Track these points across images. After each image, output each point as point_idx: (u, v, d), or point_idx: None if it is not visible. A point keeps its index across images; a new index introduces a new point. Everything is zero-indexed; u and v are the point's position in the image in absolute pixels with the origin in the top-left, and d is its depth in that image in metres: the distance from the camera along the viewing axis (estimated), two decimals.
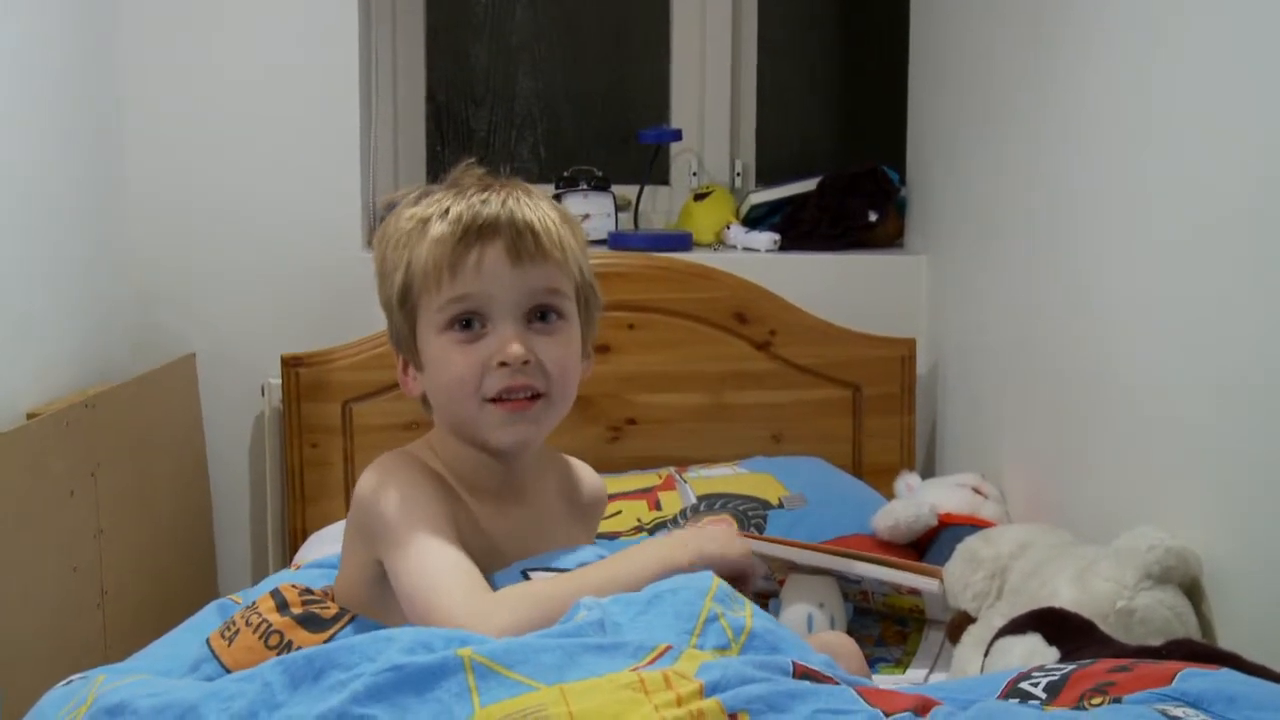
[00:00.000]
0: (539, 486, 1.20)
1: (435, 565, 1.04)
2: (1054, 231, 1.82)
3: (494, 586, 1.06)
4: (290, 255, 2.19)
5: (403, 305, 1.11)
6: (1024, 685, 1.06)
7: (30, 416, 1.64)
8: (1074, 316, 1.76)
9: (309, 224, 2.20)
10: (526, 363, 1.09)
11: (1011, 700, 1.03)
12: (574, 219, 1.17)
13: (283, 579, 1.39)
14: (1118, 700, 0.96)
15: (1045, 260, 1.85)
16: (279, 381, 2.09)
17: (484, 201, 1.09)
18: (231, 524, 2.23)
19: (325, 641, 1.07)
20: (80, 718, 0.97)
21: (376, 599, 1.10)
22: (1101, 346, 1.68)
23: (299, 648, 1.07)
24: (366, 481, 1.11)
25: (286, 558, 2.08)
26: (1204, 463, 1.46)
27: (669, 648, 0.91)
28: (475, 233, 1.08)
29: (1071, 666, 1.06)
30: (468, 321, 1.09)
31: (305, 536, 2.06)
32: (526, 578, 1.07)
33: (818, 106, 2.74)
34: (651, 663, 0.88)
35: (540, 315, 1.11)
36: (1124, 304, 1.63)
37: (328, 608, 1.12)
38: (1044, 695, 1.03)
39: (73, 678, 1.12)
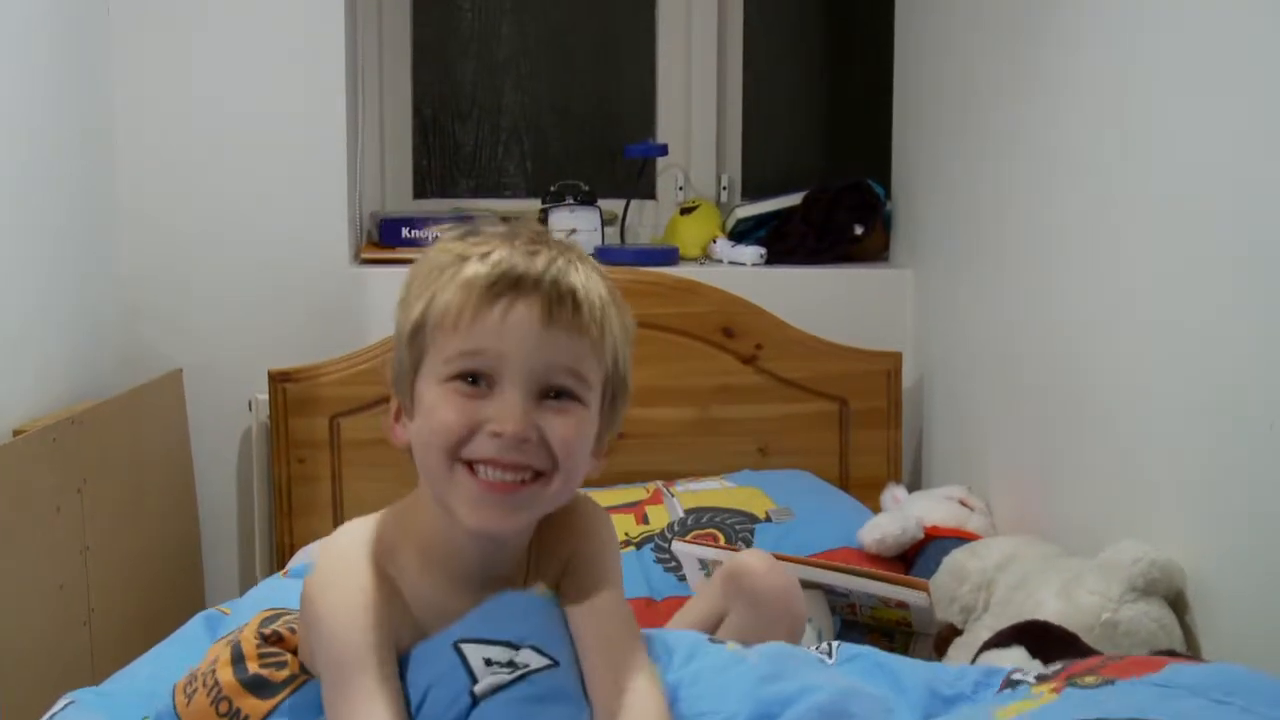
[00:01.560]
0: (547, 567, 1.06)
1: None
2: (1038, 246, 1.83)
3: (419, 659, 0.98)
4: (278, 271, 2.19)
5: (412, 341, 1.00)
6: (1015, 676, 1.06)
7: (17, 433, 1.64)
8: (1059, 330, 1.77)
9: (296, 239, 2.20)
10: (526, 441, 0.96)
11: (1005, 691, 1.04)
12: (625, 304, 1.04)
13: (270, 586, 1.38)
14: (1109, 681, 0.96)
15: (1030, 275, 1.86)
16: (266, 397, 2.08)
17: (531, 254, 0.98)
18: (219, 539, 2.22)
19: (271, 711, 1.04)
20: None
21: None
22: (1086, 360, 1.69)
23: (246, 717, 1.05)
24: (311, 600, 1.00)
25: (275, 569, 2.07)
26: (1187, 476, 1.47)
27: None
28: (510, 284, 0.96)
29: (1065, 663, 1.07)
30: (474, 379, 0.97)
31: (293, 551, 2.05)
32: (459, 651, 0.97)
33: (803, 121, 2.75)
34: None
35: (554, 395, 0.98)
36: (1108, 319, 1.64)
37: (284, 663, 1.09)
38: (1033, 680, 1.04)
39: (57, 708, 1.11)
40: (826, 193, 2.45)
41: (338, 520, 2.09)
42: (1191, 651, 1.41)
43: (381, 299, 2.21)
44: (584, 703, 0.97)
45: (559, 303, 0.97)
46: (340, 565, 1.01)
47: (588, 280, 1.00)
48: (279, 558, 2.09)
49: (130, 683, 1.22)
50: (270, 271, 2.19)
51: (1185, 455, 1.47)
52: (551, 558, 1.06)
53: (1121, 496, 1.60)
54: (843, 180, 2.46)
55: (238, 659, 1.08)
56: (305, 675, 1.07)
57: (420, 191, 2.61)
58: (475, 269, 0.98)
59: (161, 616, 1.80)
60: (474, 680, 0.95)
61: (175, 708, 1.08)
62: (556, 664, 0.98)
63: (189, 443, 2.18)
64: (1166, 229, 1.51)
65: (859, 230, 2.40)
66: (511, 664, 0.96)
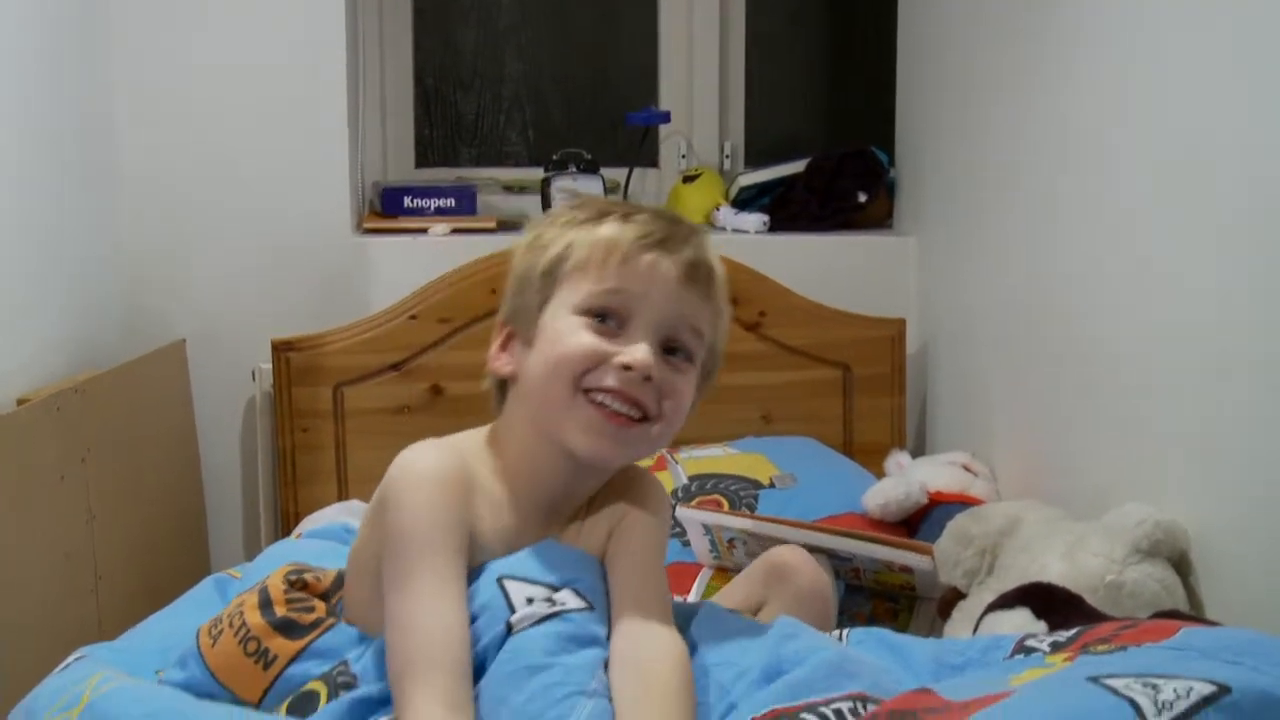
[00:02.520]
0: (596, 525, 1.09)
1: (424, 631, 0.95)
2: (1043, 211, 1.82)
3: (469, 587, 1.00)
4: (280, 240, 2.18)
5: (546, 275, 1.06)
6: (1029, 642, 1.07)
7: (20, 402, 1.64)
8: (1063, 295, 1.76)
9: (298, 208, 2.19)
10: (649, 379, 1.02)
11: (1017, 656, 1.04)
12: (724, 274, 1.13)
13: (284, 549, 1.39)
14: (1122, 648, 0.97)
15: (1034, 239, 1.85)
16: (270, 366, 2.08)
17: (675, 223, 1.08)
18: (223, 508, 2.22)
19: (300, 651, 1.06)
20: (74, 718, 0.96)
21: (372, 582, 1.05)
22: (1090, 324, 1.69)
23: (276, 655, 1.06)
24: (397, 475, 1.03)
25: (280, 537, 2.06)
26: (1192, 438, 1.47)
27: None
28: (658, 241, 1.04)
29: (1078, 629, 1.08)
30: (605, 318, 1.04)
31: (297, 520, 2.05)
32: (502, 586, 1.00)
33: (806, 88, 2.73)
34: None
35: (673, 351, 1.06)
36: (1113, 282, 1.63)
37: (311, 608, 1.10)
38: (1048, 649, 1.04)
39: (69, 661, 1.12)
40: (830, 160, 2.44)
41: (341, 489, 2.09)
42: (1195, 613, 1.41)
43: (384, 268, 2.21)
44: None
45: (698, 267, 1.06)
46: (433, 455, 1.03)
47: (715, 261, 1.09)
48: (283, 526, 2.09)
49: (143, 640, 1.22)
50: (273, 241, 2.18)
51: (1190, 418, 1.47)
52: (605, 516, 1.10)
53: (1126, 460, 1.60)
54: (846, 147, 2.45)
55: (265, 604, 1.09)
56: (333, 619, 1.09)
57: (422, 161, 2.60)
58: (619, 226, 1.06)
59: (168, 584, 1.81)
60: (512, 612, 0.98)
61: (200, 650, 1.09)
62: (592, 608, 1.00)
63: (193, 413, 2.18)
64: (1174, 191, 1.50)
65: (862, 197, 2.39)
66: (550, 601, 0.99)
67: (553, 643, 0.96)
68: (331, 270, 2.20)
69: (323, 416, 2.09)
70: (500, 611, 0.98)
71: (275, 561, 1.29)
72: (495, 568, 1.01)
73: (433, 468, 1.02)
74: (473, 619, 0.98)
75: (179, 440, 2.13)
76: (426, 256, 2.19)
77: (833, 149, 2.47)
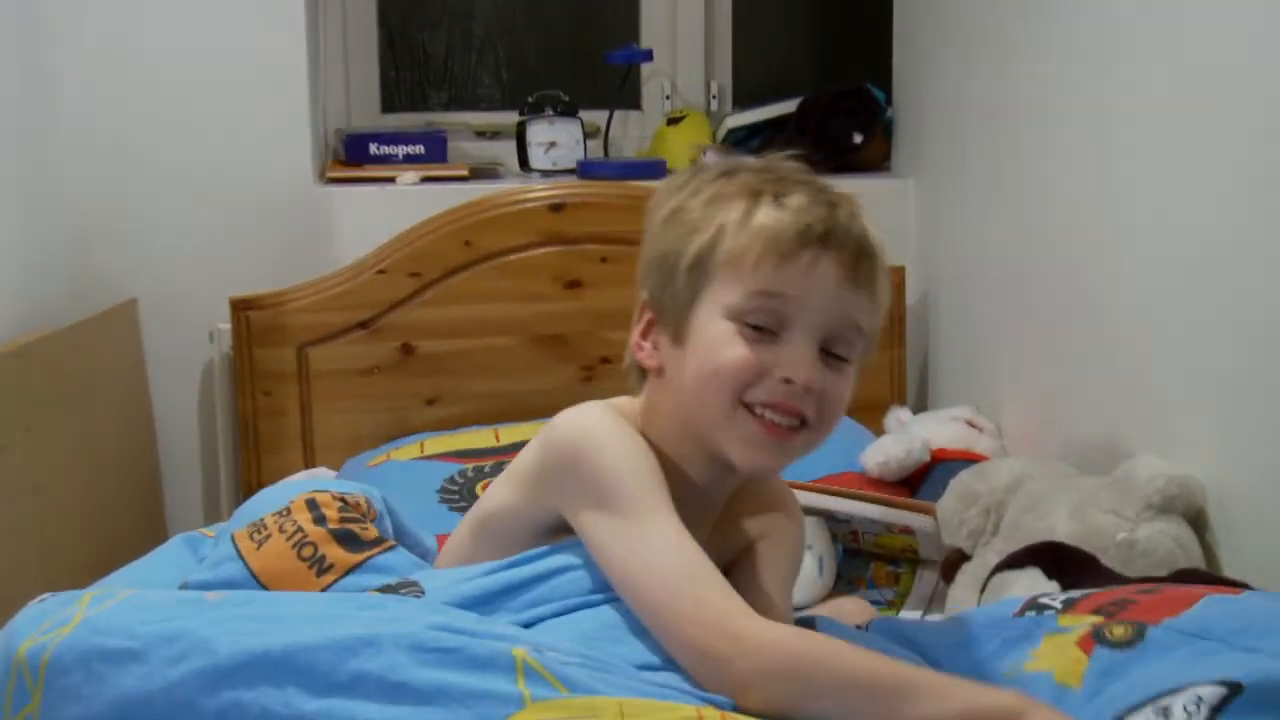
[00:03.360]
0: (733, 531, 1.12)
1: (685, 554, 0.96)
2: (1048, 150, 1.80)
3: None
4: (238, 192, 2.16)
5: (693, 269, 1.03)
6: (1042, 599, 1.07)
7: None
8: (1070, 239, 1.75)
9: (257, 159, 2.16)
10: (810, 391, 1.02)
11: (1029, 613, 1.04)
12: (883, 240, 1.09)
13: (273, 493, 1.32)
14: (1139, 633, 0.96)
15: (1040, 180, 1.83)
16: (228, 326, 2.07)
17: (832, 205, 1.03)
18: (181, 480, 2.21)
19: (360, 564, 1.06)
20: (64, 637, 0.89)
21: (512, 539, 1.06)
22: (1099, 270, 1.67)
23: (332, 564, 1.06)
24: (576, 434, 1.03)
25: None
26: (1209, 388, 1.46)
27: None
28: (819, 236, 1.01)
29: (1095, 589, 1.07)
30: (759, 323, 1.02)
31: (261, 489, 2.04)
32: None
33: (798, 23, 2.70)
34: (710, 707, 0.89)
35: (834, 349, 1.04)
36: (1123, 224, 1.62)
37: (366, 528, 1.10)
38: (1060, 605, 1.05)
39: (46, 596, 1.06)
40: (823, 99, 2.43)
41: (307, 456, 2.09)
42: (1214, 570, 1.41)
43: (349, 220, 2.20)
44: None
45: (860, 261, 1.03)
46: (613, 418, 1.04)
47: (873, 230, 1.05)
48: (246, 497, 2.05)
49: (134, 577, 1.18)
50: (230, 193, 2.16)
51: (1205, 366, 1.46)
52: (740, 530, 1.12)
53: (1137, 412, 1.60)
54: (840, 85, 2.44)
55: (319, 518, 1.09)
56: (393, 541, 1.10)
57: (389, 105, 2.57)
58: (777, 214, 1.01)
59: (119, 560, 1.78)
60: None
61: (240, 552, 1.08)
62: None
63: (146, 378, 2.16)
64: (1185, 128, 1.48)
65: (858, 138, 2.38)
66: None
67: None
68: (293, 223, 2.18)
69: (286, 379, 2.08)
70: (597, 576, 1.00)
71: (264, 507, 1.22)
72: None
73: (620, 428, 1.03)
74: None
75: (132, 408, 2.10)
76: (394, 207, 2.18)
77: (826, 87, 2.46)
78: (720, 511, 1.11)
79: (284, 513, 1.11)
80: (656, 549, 0.97)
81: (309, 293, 2.08)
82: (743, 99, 2.62)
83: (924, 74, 2.28)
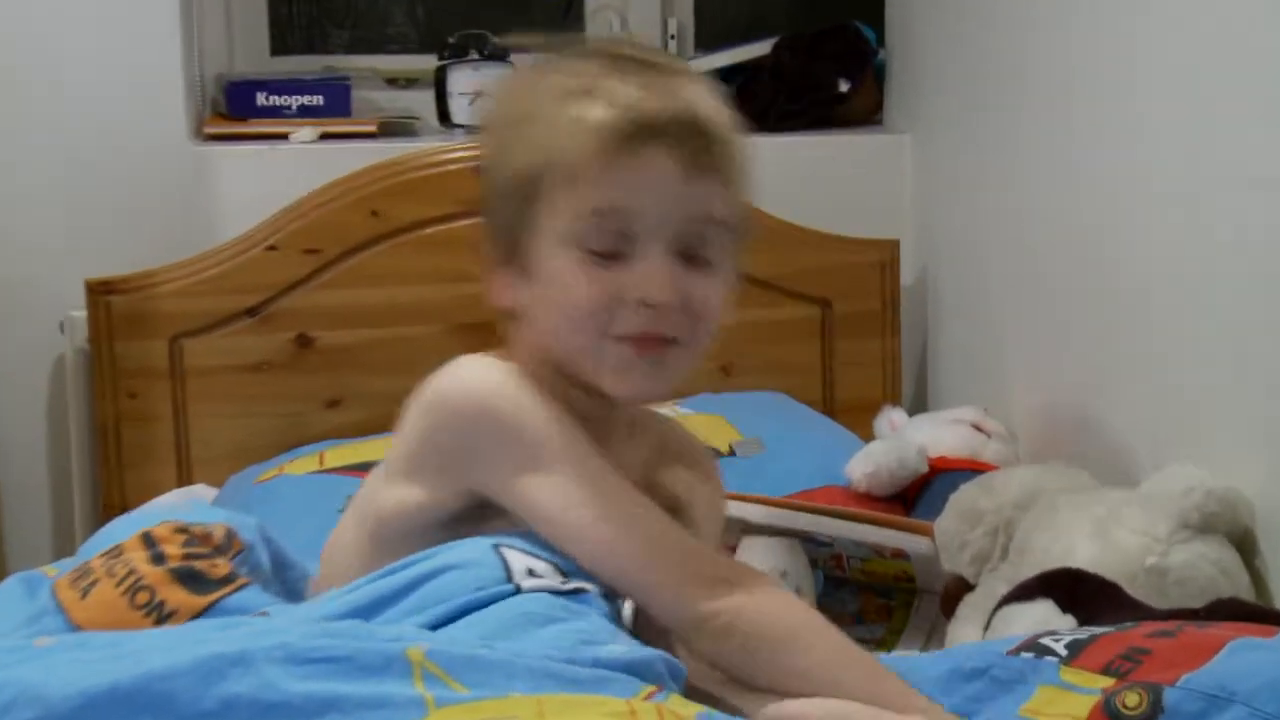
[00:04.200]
0: (627, 448, 1.16)
1: (648, 516, 1.05)
2: (1071, 102, 1.82)
3: (447, 548, 1.05)
4: (92, 152, 2.15)
5: (522, 195, 1.08)
6: (1044, 640, 1.08)
7: None
8: (1095, 209, 1.76)
9: (117, 111, 2.16)
10: (675, 309, 1.06)
11: (1026, 654, 1.06)
12: (737, 117, 1.12)
13: (124, 524, 1.32)
14: (1155, 691, 0.98)
15: (1061, 137, 1.85)
16: (83, 314, 2.06)
17: (666, 91, 1.06)
18: (25, 500, 2.20)
19: (208, 607, 1.06)
20: None
21: (427, 542, 1.07)
22: (1128, 247, 1.69)
23: (173, 610, 1.06)
24: (472, 383, 1.09)
25: None
26: (1254, 385, 1.48)
27: (660, 688, 0.93)
28: (649, 129, 1.04)
29: (1105, 630, 1.09)
30: (605, 239, 1.06)
31: (124, 512, 1.99)
32: (500, 554, 1.04)
33: None
34: (645, 699, 0.90)
35: (695, 248, 1.08)
36: (1157, 194, 1.63)
37: (215, 564, 1.10)
38: (1065, 652, 1.06)
39: None
40: (803, 39, 2.43)
41: (181, 471, 2.08)
42: (1264, 601, 1.43)
43: (232, 185, 2.19)
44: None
45: (699, 144, 1.05)
46: (497, 364, 1.10)
47: (716, 107, 1.08)
48: (106, 521, 2.04)
49: None
50: (82, 154, 2.15)
51: (1251, 360, 1.48)
52: (659, 492, 1.17)
53: (1171, 413, 1.61)
54: (823, 23, 2.44)
55: (157, 556, 1.09)
56: (247, 579, 1.10)
57: (280, 47, 2.56)
58: (600, 113, 1.05)
59: None
60: (509, 577, 1.02)
61: (61, 605, 1.08)
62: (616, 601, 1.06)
63: None
64: (1233, 84, 1.49)
65: (844, 86, 2.39)
66: (564, 577, 1.04)
67: (564, 606, 1.01)
68: (163, 189, 2.17)
69: (156, 377, 2.07)
70: (498, 573, 1.02)
71: (113, 539, 1.23)
72: (489, 538, 1.06)
73: (513, 374, 1.08)
74: (443, 569, 1.02)
75: None
76: (288, 170, 2.18)
77: (806, 26, 2.46)
78: (619, 437, 1.16)
79: (115, 553, 1.11)
80: (623, 504, 1.05)
81: (183, 273, 2.07)
82: (707, 40, 2.62)
83: (923, 8, 2.28)
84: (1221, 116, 1.51)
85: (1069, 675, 1.04)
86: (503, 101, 1.14)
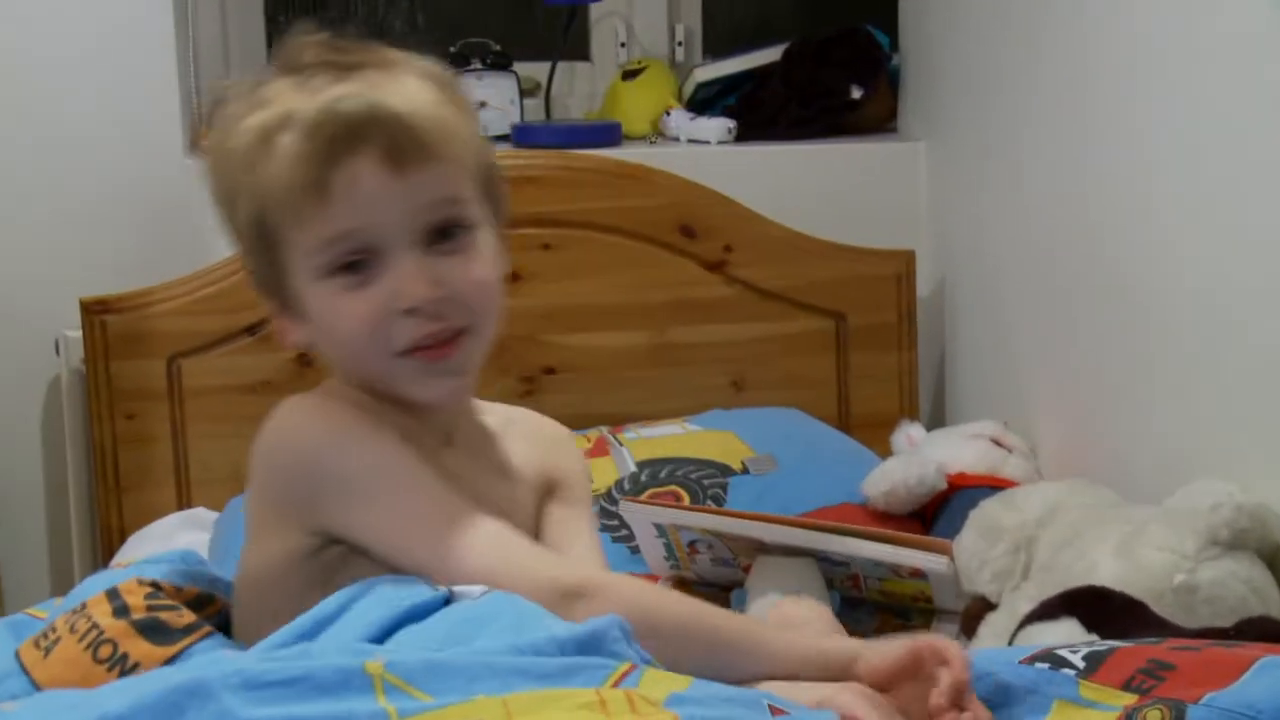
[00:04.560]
0: (463, 454, 1.20)
1: (480, 520, 1.07)
2: (1088, 105, 1.82)
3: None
4: (88, 167, 2.16)
5: (260, 242, 1.10)
6: (1060, 651, 1.07)
7: None
8: (1116, 215, 1.76)
9: (110, 124, 2.16)
10: (442, 300, 1.09)
11: (1041, 665, 1.05)
12: (452, 82, 1.15)
13: (109, 579, 1.35)
14: (1179, 709, 0.98)
15: (1080, 142, 1.85)
16: (79, 334, 2.06)
17: (339, 97, 1.06)
18: (21, 526, 2.20)
19: (173, 658, 1.07)
20: None
21: (307, 586, 1.09)
22: (1152, 256, 1.69)
23: (136, 662, 1.06)
24: (287, 431, 1.11)
25: (100, 564, 2.05)
26: None
27: (633, 667, 0.93)
28: (340, 143, 1.05)
29: (1125, 643, 1.08)
30: (353, 263, 1.08)
31: (124, 537, 2.03)
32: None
33: None
34: (615, 684, 0.91)
35: (442, 233, 1.10)
36: (1183, 201, 1.63)
37: (180, 614, 1.11)
38: (1083, 664, 1.05)
39: None
40: (813, 44, 2.43)
41: (181, 493, 2.08)
42: None
43: None
44: None
45: (398, 139, 1.06)
46: (326, 400, 1.13)
47: (410, 91, 1.09)
48: (104, 546, 2.07)
49: None
50: (78, 169, 2.16)
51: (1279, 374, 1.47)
52: (525, 481, 1.23)
53: (1198, 426, 1.61)
54: (835, 28, 2.44)
55: (120, 608, 1.10)
56: (210, 627, 1.11)
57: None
58: (290, 141, 1.06)
59: None
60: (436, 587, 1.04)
61: (25, 667, 1.09)
62: None
63: None
64: (1261, 85, 1.48)
65: (856, 93, 2.39)
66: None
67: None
68: (160, 205, 2.17)
69: (154, 398, 2.07)
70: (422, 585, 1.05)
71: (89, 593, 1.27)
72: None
73: (327, 404, 1.12)
74: (349, 601, 1.03)
75: None
76: None
77: (817, 30, 2.46)
78: (458, 425, 1.20)
79: (78, 609, 1.12)
80: (458, 518, 1.07)
81: (181, 291, 2.07)
82: (715, 46, 2.63)
83: (937, 12, 2.28)
84: (1243, 120, 1.51)
85: (1088, 691, 1.03)
86: (213, 150, 1.14)
